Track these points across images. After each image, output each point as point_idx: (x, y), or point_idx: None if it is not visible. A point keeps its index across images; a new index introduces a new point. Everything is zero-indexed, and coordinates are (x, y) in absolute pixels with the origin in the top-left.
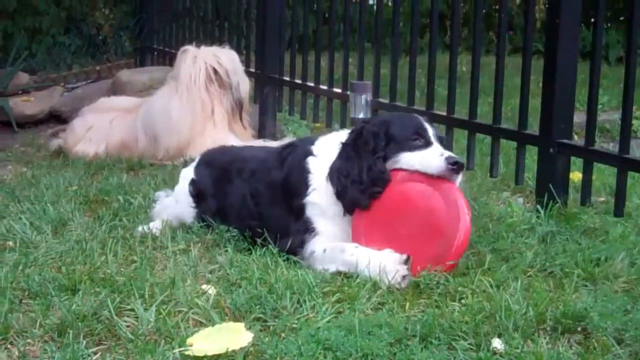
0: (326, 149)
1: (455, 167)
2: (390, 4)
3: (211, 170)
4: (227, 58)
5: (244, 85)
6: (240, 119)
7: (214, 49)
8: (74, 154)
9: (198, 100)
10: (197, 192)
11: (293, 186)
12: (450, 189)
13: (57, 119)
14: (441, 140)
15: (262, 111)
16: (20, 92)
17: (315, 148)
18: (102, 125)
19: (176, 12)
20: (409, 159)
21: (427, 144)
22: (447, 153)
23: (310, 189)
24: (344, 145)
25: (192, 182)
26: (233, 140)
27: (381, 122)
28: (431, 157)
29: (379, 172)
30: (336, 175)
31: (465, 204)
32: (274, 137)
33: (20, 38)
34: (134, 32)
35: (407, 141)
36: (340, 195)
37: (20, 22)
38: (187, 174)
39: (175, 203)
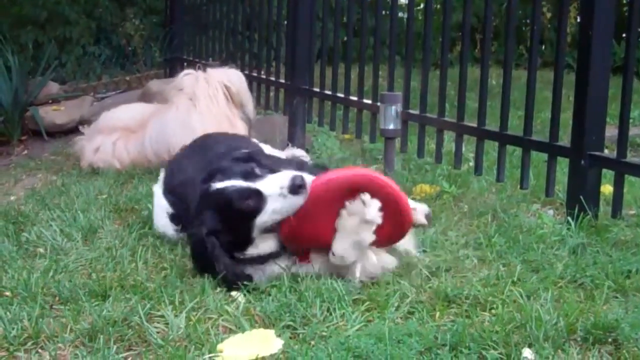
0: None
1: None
2: (420, 17)
3: (177, 199)
4: (236, 78)
5: (250, 105)
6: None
7: (222, 70)
8: (90, 152)
9: (223, 116)
10: (174, 218)
11: None
12: None
13: (86, 124)
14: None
15: (291, 122)
16: (50, 101)
17: None
18: (106, 148)
19: (206, 24)
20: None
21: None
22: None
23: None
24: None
25: (170, 216)
26: None
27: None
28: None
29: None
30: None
31: None
32: (303, 148)
33: (50, 48)
34: (163, 43)
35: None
36: None
37: (51, 32)
38: (159, 192)
39: (157, 218)
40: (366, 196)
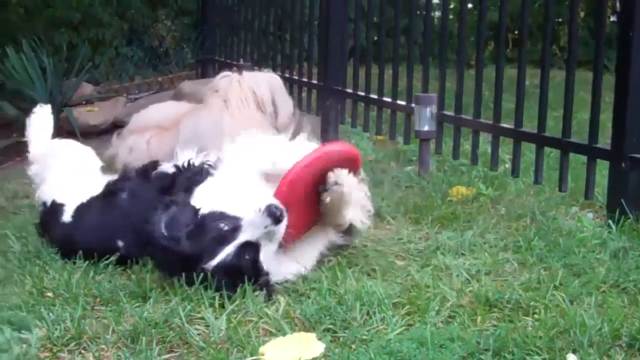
0: None
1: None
2: (451, 16)
3: None
4: (264, 84)
5: (284, 109)
6: None
7: (253, 74)
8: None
9: (254, 120)
10: None
11: None
12: None
13: (121, 129)
14: None
15: (324, 123)
16: (84, 102)
17: None
18: (140, 147)
19: (237, 25)
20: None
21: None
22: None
23: None
24: None
25: None
26: None
27: None
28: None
29: None
30: None
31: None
32: None
33: (84, 49)
34: (195, 43)
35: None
36: None
37: (84, 34)
38: None
39: None
40: (333, 176)
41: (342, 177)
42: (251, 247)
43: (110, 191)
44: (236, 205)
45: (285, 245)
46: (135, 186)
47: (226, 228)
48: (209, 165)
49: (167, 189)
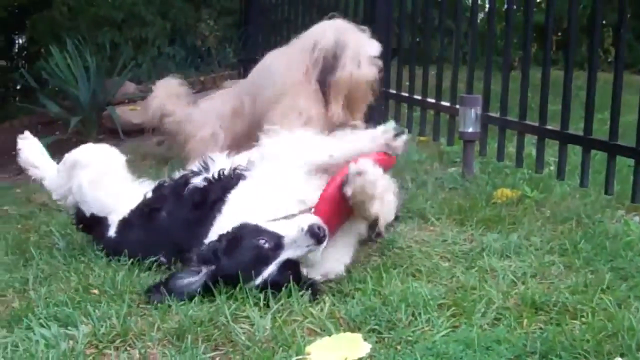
0: None
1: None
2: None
3: None
4: (355, 40)
5: (348, 72)
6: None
7: (356, 34)
8: (197, 141)
9: (303, 63)
10: None
11: None
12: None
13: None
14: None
15: (366, 123)
16: (126, 101)
17: None
18: (212, 104)
19: (280, 24)
20: None
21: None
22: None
23: None
24: None
25: None
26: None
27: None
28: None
29: None
30: None
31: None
32: None
33: (126, 48)
34: (238, 43)
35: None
36: None
37: (127, 33)
38: None
39: None
40: (354, 166)
41: (364, 167)
42: (292, 262)
43: (150, 210)
44: (276, 217)
45: None
46: (172, 206)
47: (267, 246)
48: (242, 169)
49: (200, 203)
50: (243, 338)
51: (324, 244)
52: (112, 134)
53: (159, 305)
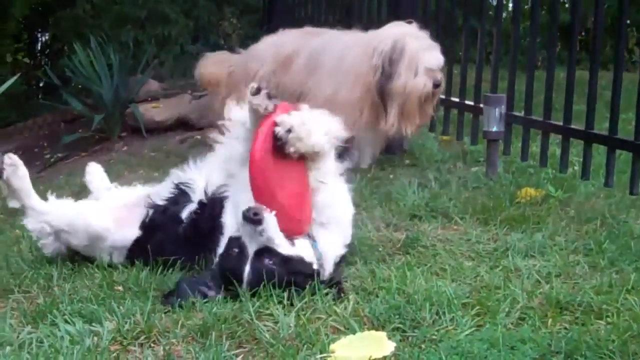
0: None
1: None
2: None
3: None
4: (414, 47)
5: (403, 81)
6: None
7: (417, 39)
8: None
9: (372, 71)
10: None
11: None
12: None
13: (185, 126)
14: None
15: None
16: (149, 98)
17: None
18: (274, 40)
19: (303, 23)
20: None
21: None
22: None
23: None
24: None
25: None
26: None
27: None
28: None
29: None
30: None
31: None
32: (400, 149)
33: (149, 46)
34: None
35: None
36: None
37: (150, 31)
38: None
39: None
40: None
41: (286, 120)
42: (267, 251)
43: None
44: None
45: (302, 229)
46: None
47: (237, 251)
48: (221, 192)
49: (195, 234)
50: (267, 335)
51: (268, 218)
52: (135, 131)
53: (183, 302)
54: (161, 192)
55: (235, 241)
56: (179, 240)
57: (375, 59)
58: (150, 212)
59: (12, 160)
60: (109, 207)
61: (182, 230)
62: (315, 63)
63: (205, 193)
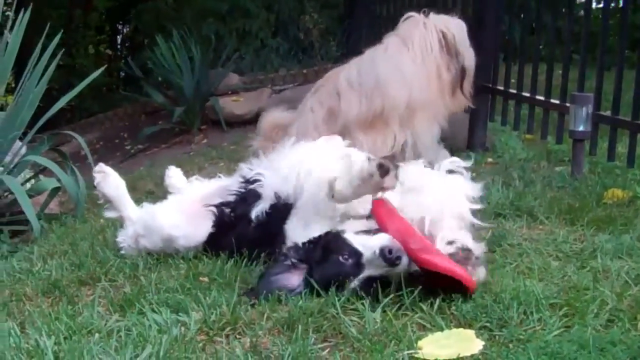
0: None
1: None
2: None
3: None
4: (455, 25)
5: (467, 54)
6: (462, 88)
7: (443, 17)
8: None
9: (434, 64)
10: None
11: None
12: None
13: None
14: None
15: (472, 120)
16: (230, 92)
17: None
18: (305, 119)
19: (382, 19)
20: None
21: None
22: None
23: None
24: None
25: None
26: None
27: None
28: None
29: None
30: None
31: None
32: (482, 147)
33: (230, 40)
34: (341, 37)
35: None
36: None
37: (231, 25)
38: None
39: None
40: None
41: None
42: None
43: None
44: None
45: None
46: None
47: (349, 262)
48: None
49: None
50: (353, 330)
51: (401, 264)
52: (215, 124)
53: (269, 295)
54: (231, 186)
55: (349, 249)
56: (248, 238)
57: (452, 43)
58: (221, 209)
59: (101, 168)
60: (184, 202)
61: (252, 229)
62: (369, 81)
63: (278, 197)
